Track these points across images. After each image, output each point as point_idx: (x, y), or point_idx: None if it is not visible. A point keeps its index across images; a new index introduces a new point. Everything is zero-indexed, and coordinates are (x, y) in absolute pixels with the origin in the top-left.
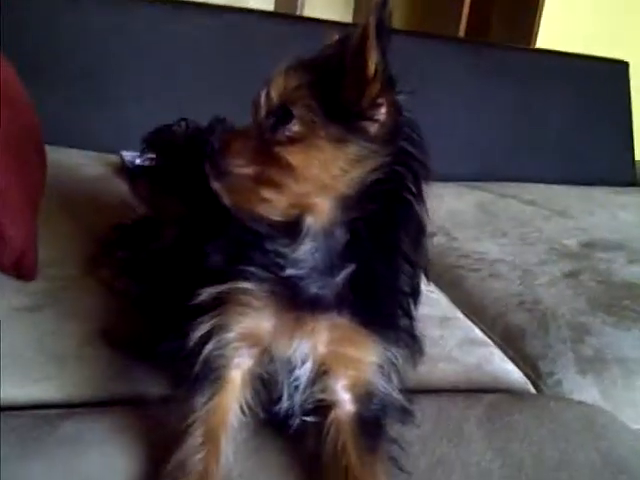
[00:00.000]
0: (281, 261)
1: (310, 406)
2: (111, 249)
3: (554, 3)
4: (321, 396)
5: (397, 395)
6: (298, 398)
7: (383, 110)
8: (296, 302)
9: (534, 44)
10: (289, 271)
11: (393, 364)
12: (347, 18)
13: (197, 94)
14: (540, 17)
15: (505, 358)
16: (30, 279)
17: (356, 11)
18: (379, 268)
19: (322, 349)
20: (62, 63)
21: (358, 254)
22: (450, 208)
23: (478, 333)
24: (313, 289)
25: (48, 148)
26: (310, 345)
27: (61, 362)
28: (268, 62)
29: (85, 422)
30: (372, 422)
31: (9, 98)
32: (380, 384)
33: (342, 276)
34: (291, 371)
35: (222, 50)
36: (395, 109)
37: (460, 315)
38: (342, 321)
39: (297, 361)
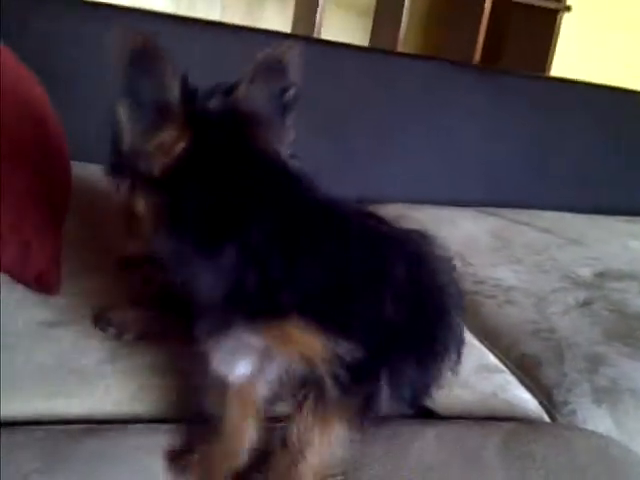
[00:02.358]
0: None
1: None
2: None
3: (569, 31)
4: None
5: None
6: None
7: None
8: None
9: (548, 72)
10: None
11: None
12: (364, 40)
13: None
14: (556, 44)
15: (520, 386)
16: (53, 293)
17: (373, 36)
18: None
19: None
20: (86, 76)
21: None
22: (465, 233)
23: (493, 360)
24: None
25: (72, 164)
26: None
27: (83, 378)
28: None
29: (109, 439)
30: None
31: (38, 116)
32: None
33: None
34: None
35: (241, 71)
36: None
37: (475, 341)
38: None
39: None
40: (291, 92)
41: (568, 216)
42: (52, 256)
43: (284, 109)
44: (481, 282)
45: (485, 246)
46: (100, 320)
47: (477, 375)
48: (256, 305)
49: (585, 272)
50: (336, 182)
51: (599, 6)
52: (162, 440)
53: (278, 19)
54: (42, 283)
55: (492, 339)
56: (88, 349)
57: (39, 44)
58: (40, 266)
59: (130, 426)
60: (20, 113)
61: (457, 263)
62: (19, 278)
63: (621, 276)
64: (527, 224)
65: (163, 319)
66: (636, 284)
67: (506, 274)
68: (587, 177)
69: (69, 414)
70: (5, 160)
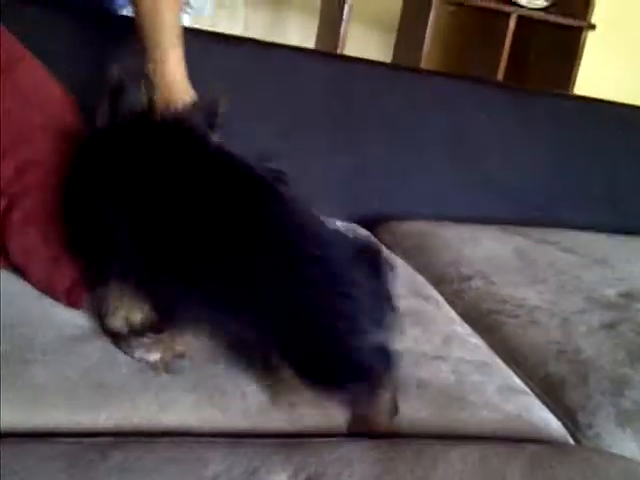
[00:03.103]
0: None
1: None
2: None
3: (592, 50)
4: None
5: None
6: None
7: None
8: None
9: (572, 90)
10: None
11: None
12: (388, 57)
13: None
14: (580, 63)
15: (544, 408)
16: (80, 307)
17: (396, 53)
18: None
19: None
20: None
21: None
22: (488, 252)
23: (517, 381)
24: None
25: None
26: None
27: (109, 392)
28: (310, 99)
29: (135, 452)
30: None
31: (62, 131)
32: None
33: None
34: None
35: (264, 86)
36: None
37: (499, 361)
38: None
39: None
40: None
41: (593, 236)
42: (80, 270)
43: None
44: (504, 302)
45: (508, 265)
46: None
47: (501, 396)
48: None
49: (610, 293)
50: (358, 198)
51: (623, 24)
52: (189, 453)
53: (301, 34)
54: (72, 297)
55: (516, 360)
56: (115, 364)
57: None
58: (69, 281)
59: (157, 439)
60: (46, 121)
61: (479, 282)
62: (50, 293)
63: None
64: (552, 243)
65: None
66: None
67: (530, 294)
68: (613, 197)
69: (96, 427)
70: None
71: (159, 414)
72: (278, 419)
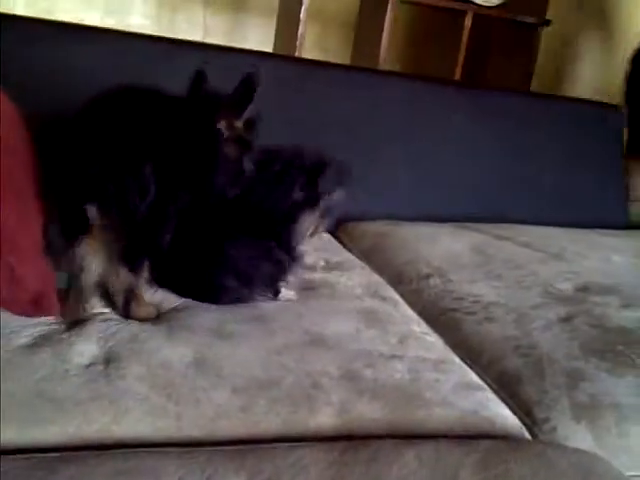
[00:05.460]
0: None
1: None
2: None
3: (549, 47)
4: None
5: None
6: None
7: None
8: None
9: (530, 86)
10: None
11: None
12: (347, 55)
13: None
14: (536, 59)
15: (501, 403)
16: (53, 314)
17: (354, 53)
18: None
19: None
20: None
21: None
22: (446, 249)
23: (474, 377)
24: None
25: None
26: None
27: (60, 404)
28: (268, 103)
29: (85, 466)
30: None
31: (11, 147)
32: None
33: None
34: None
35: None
36: None
37: (456, 359)
38: None
39: None
40: None
41: (549, 230)
42: (44, 281)
43: None
44: (461, 299)
45: (466, 262)
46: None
47: (457, 393)
48: None
49: (566, 287)
50: None
51: (579, 20)
52: (141, 465)
53: (260, 37)
54: (38, 308)
55: (473, 356)
56: (66, 374)
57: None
58: (31, 292)
59: (109, 452)
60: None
61: (437, 280)
62: (12, 306)
63: (602, 290)
64: (508, 239)
65: None
66: (616, 298)
67: (487, 290)
68: (568, 191)
69: (47, 442)
70: None
71: (111, 425)
72: (233, 425)
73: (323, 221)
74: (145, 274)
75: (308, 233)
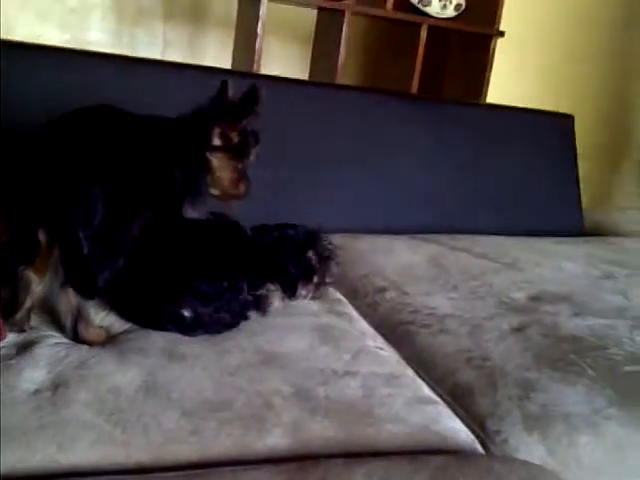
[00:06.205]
0: None
1: None
2: None
3: (502, 59)
4: None
5: None
6: None
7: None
8: None
9: (484, 100)
10: None
11: None
12: (304, 74)
13: None
14: (490, 70)
15: (454, 417)
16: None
17: (312, 66)
18: None
19: None
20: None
21: None
22: (402, 261)
23: (427, 391)
24: None
25: None
26: None
27: (5, 433)
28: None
29: None
30: None
31: None
32: None
33: None
34: None
35: (181, 108)
36: None
37: (410, 372)
38: None
39: None
40: None
41: (505, 240)
42: None
43: None
44: (416, 311)
45: (422, 274)
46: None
47: (409, 407)
48: None
49: (520, 296)
50: (272, 214)
51: (533, 31)
52: None
53: (219, 51)
54: None
55: (426, 369)
56: (10, 402)
57: None
58: None
59: None
60: None
61: (393, 293)
62: None
63: (554, 299)
64: (464, 250)
65: None
66: (569, 306)
67: (441, 302)
68: (523, 200)
69: None
70: None
71: (57, 455)
72: (182, 450)
73: (320, 289)
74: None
75: (308, 297)
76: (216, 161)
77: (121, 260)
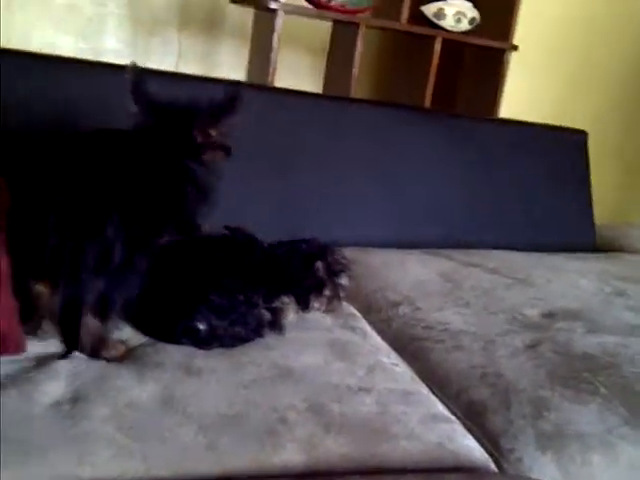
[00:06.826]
0: None
1: None
2: None
3: (516, 75)
4: None
5: None
6: None
7: None
8: None
9: (497, 114)
10: None
11: None
12: (318, 86)
13: None
14: (503, 84)
15: (468, 434)
16: (21, 351)
17: (327, 78)
18: None
19: None
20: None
21: None
22: (414, 276)
23: (441, 408)
24: None
25: None
26: None
27: (24, 448)
28: (243, 132)
29: None
30: None
31: None
32: None
33: None
34: None
35: None
36: None
37: (424, 389)
38: None
39: None
40: None
41: (517, 255)
42: (7, 318)
43: None
44: (430, 327)
45: (434, 289)
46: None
47: (424, 425)
48: None
49: (532, 313)
50: (285, 227)
51: (547, 46)
52: None
53: (234, 62)
54: (6, 344)
55: (440, 386)
56: (30, 416)
57: None
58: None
59: None
60: None
61: (406, 308)
62: None
63: (567, 315)
64: (476, 265)
65: None
66: (581, 323)
67: (454, 317)
68: (536, 215)
69: None
70: None
71: (77, 468)
72: (199, 465)
73: (333, 302)
74: (114, 320)
75: (321, 311)
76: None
77: (139, 286)
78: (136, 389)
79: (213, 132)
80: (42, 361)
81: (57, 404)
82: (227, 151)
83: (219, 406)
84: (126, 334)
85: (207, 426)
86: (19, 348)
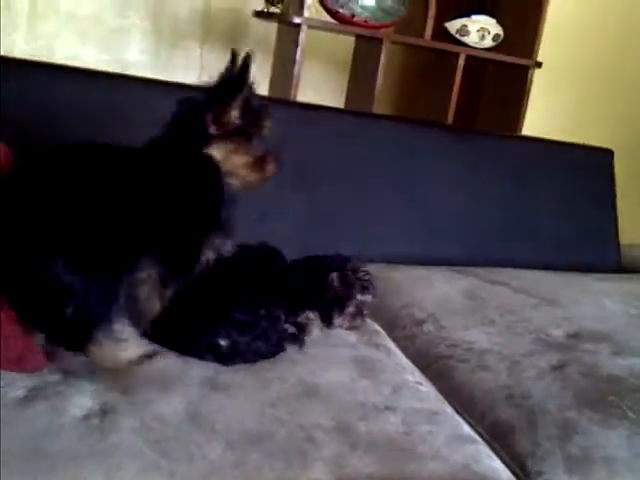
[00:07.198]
0: None
1: None
2: None
3: (540, 91)
4: None
5: None
6: None
7: None
8: None
9: (520, 132)
10: None
11: None
12: (341, 101)
13: None
14: (527, 101)
15: (493, 456)
16: (40, 370)
17: (349, 93)
18: None
19: None
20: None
21: None
22: (439, 294)
23: (466, 429)
24: None
25: None
26: None
27: (53, 460)
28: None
29: None
30: None
31: None
32: None
33: None
34: None
35: None
36: None
37: (449, 409)
38: None
39: None
40: None
41: (543, 275)
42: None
43: None
44: (454, 346)
45: (459, 307)
46: None
47: (449, 446)
48: None
49: (558, 333)
50: (310, 243)
51: (571, 63)
52: None
53: (256, 77)
54: (23, 364)
55: (466, 406)
56: (59, 428)
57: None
58: (18, 349)
59: None
60: None
61: (431, 326)
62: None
63: (594, 337)
64: (502, 284)
65: None
66: (608, 345)
67: (479, 336)
68: (562, 234)
69: None
70: None
71: None
72: None
73: (357, 319)
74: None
75: (344, 327)
76: (219, 153)
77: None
78: (162, 403)
79: (232, 113)
80: (68, 374)
81: (87, 417)
82: (250, 133)
83: (246, 423)
84: (151, 347)
85: (234, 443)
86: (37, 368)
